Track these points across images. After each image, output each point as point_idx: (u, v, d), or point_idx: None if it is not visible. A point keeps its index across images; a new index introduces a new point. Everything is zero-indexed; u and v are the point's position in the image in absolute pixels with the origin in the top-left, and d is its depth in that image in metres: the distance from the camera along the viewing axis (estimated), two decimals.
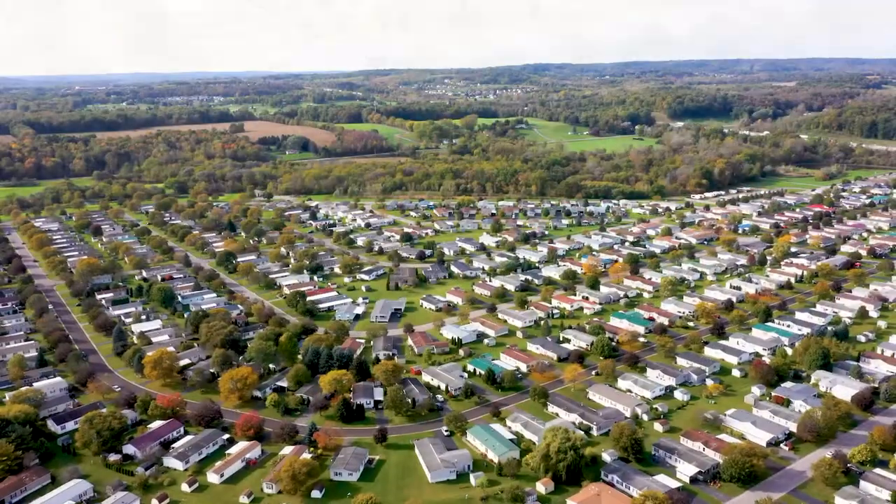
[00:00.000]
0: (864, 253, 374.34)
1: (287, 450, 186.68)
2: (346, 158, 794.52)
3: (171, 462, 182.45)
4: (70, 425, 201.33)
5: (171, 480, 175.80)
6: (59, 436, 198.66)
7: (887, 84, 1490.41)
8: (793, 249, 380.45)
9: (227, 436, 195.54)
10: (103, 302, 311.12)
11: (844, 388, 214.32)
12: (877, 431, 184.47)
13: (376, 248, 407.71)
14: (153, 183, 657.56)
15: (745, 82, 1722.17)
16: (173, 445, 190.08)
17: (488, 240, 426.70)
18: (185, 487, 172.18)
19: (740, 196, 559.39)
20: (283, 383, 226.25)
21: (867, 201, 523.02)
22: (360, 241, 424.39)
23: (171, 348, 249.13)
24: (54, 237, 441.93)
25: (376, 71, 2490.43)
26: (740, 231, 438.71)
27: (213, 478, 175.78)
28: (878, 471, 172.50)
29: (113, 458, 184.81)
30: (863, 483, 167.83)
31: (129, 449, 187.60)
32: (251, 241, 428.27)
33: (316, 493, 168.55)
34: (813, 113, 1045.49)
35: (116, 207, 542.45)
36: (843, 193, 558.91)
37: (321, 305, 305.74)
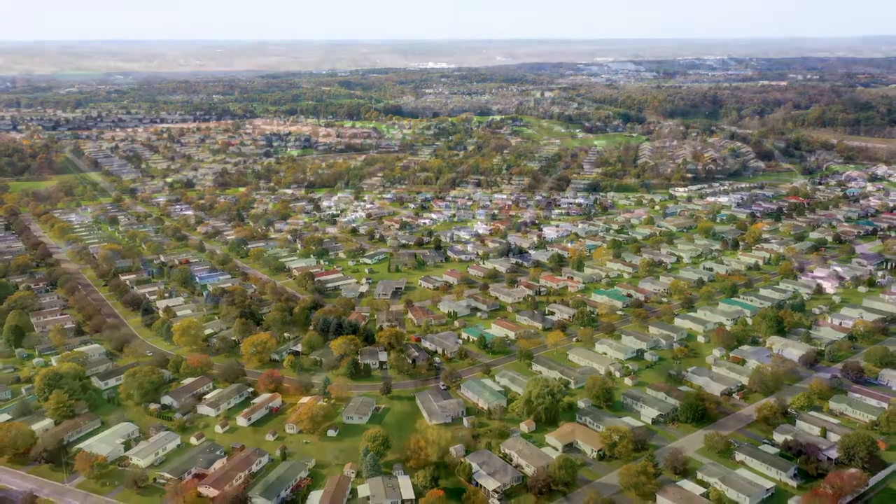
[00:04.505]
0: (829, 239, 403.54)
1: (304, 400, 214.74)
2: (346, 154, 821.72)
3: (204, 410, 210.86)
4: (112, 382, 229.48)
5: (205, 424, 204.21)
6: (103, 391, 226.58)
7: (876, 83, 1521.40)
8: (765, 236, 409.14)
9: (251, 389, 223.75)
10: (128, 282, 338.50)
11: (794, 350, 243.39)
12: (815, 382, 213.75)
13: (377, 235, 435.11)
14: (161, 178, 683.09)
15: (738, 81, 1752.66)
16: (205, 397, 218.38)
17: (482, 228, 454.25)
18: (218, 429, 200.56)
19: (721, 189, 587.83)
20: (298, 348, 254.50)
21: (841, 193, 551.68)
22: (362, 230, 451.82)
23: (195, 320, 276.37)
24: (73, 227, 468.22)
25: (373, 70, 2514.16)
26: (718, 220, 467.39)
27: (241, 421, 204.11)
28: (812, 413, 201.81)
29: (153, 406, 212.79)
30: (798, 422, 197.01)
31: (166, 400, 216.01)
32: (259, 230, 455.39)
33: (331, 433, 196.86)
34: (800, 111, 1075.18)
35: (128, 200, 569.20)
36: (820, 186, 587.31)
37: (328, 285, 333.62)
